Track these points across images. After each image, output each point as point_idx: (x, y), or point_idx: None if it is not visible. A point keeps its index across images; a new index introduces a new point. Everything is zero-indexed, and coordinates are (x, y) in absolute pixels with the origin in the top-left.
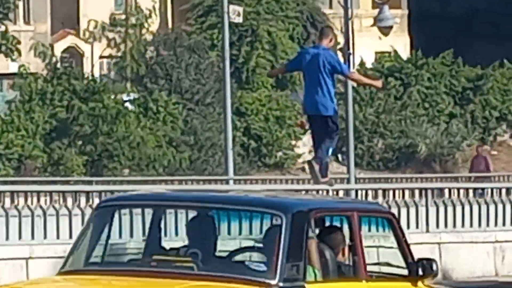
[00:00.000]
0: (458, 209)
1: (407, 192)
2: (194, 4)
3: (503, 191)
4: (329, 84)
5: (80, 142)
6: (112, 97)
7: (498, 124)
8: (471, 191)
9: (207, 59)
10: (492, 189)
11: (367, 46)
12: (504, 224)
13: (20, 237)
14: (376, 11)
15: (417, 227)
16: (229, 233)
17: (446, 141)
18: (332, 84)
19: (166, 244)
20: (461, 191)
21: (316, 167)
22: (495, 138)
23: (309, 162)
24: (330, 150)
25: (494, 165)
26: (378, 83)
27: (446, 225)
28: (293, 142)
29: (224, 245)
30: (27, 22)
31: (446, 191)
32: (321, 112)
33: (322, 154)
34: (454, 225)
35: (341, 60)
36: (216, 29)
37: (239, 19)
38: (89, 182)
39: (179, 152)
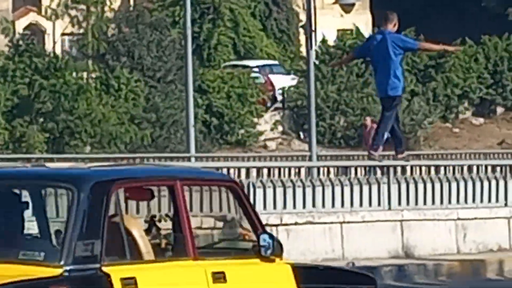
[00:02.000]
0: (420, 186)
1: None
2: None
3: (465, 168)
4: (397, 66)
5: (41, 119)
6: (74, 74)
7: (460, 102)
8: (432, 168)
9: (169, 36)
10: (454, 166)
11: (329, 23)
12: (466, 201)
13: None
14: None
15: (379, 204)
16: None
17: (408, 119)
18: (399, 64)
19: None
20: (423, 168)
21: (375, 154)
22: (457, 116)
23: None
24: (385, 135)
25: (456, 143)
26: (452, 47)
27: (408, 203)
28: (255, 120)
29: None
30: None
31: (408, 168)
32: (392, 93)
33: (379, 140)
34: (416, 203)
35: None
36: (178, 6)
37: None
38: (51, 159)
39: (141, 129)
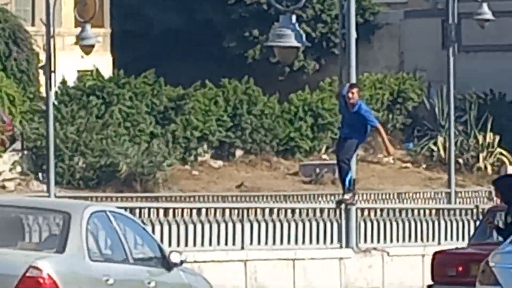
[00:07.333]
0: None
1: None
2: None
3: (194, 211)
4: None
5: None
6: None
7: (199, 144)
8: (179, 211)
9: None
10: (191, 209)
11: (70, 64)
12: (202, 244)
13: None
14: (79, 29)
15: None
16: None
17: (147, 161)
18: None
19: None
20: (161, 210)
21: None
22: (196, 158)
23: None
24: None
25: (195, 186)
26: (391, 149)
27: None
28: None
29: None
30: None
31: (146, 210)
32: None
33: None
34: None
35: None
36: None
37: None
38: None
39: None
